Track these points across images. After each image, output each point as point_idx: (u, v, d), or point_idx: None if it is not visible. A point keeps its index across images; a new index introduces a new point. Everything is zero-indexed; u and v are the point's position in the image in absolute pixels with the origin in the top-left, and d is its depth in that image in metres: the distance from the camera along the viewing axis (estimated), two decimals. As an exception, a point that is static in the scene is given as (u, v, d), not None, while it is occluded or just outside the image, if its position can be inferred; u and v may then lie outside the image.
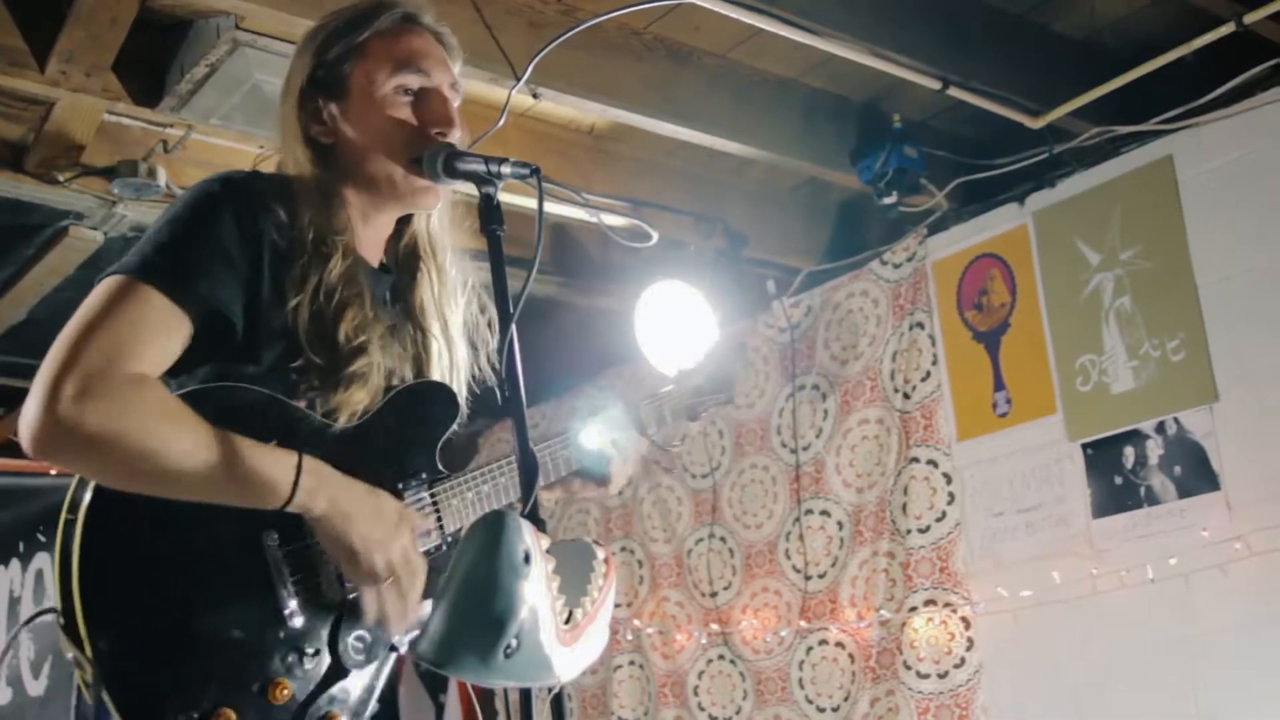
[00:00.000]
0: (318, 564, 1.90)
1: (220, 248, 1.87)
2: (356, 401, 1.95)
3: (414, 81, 2.06)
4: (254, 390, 1.88)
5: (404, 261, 2.20)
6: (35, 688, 5.05)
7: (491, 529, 1.66)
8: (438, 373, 2.15)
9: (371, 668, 1.95)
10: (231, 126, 3.84)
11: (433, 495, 2.04)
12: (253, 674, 1.83)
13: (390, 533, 1.88)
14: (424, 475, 2.04)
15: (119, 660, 1.75)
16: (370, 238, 2.12)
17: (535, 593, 1.68)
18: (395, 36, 2.08)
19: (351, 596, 1.91)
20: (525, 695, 1.78)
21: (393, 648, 1.98)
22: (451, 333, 2.19)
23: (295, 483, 1.81)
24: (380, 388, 2.00)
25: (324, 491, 1.84)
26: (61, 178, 3.89)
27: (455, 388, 2.15)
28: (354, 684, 1.93)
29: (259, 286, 1.90)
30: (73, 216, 4.11)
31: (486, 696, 5.53)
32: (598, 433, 2.26)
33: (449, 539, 2.04)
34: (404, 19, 2.10)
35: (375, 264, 2.14)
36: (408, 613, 1.91)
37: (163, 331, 1.81)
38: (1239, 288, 3.98)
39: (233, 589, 1.84)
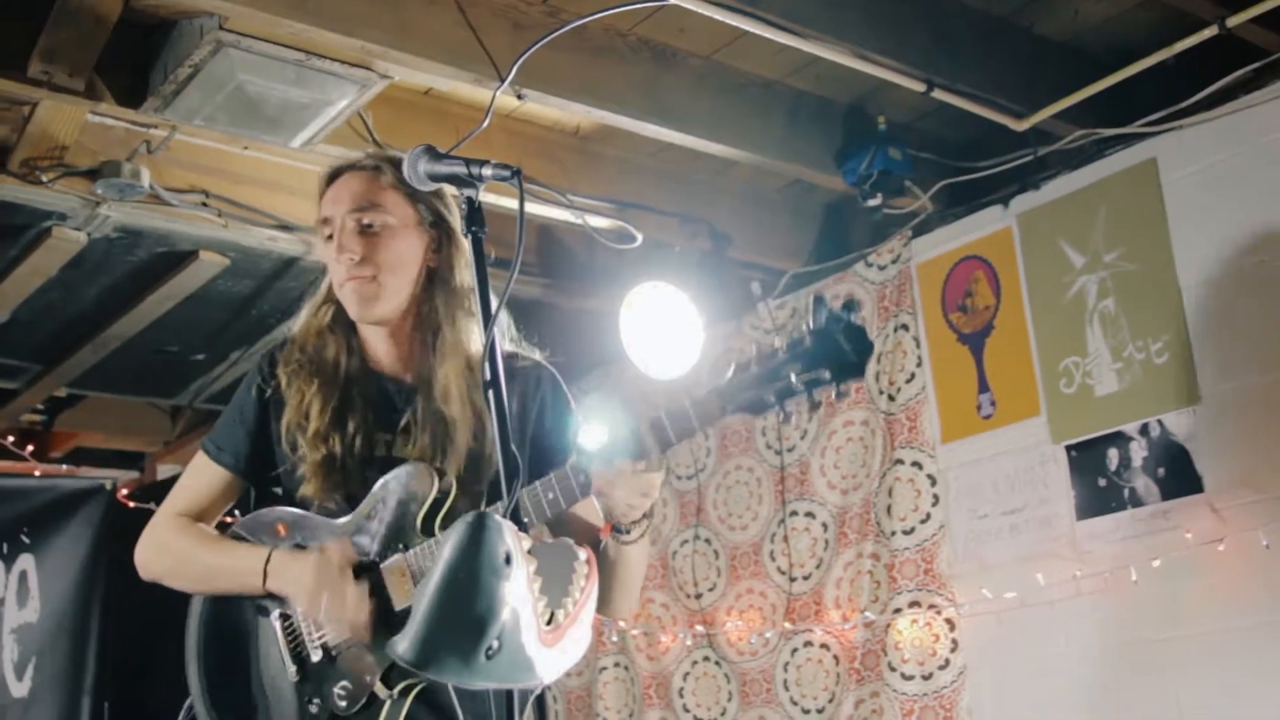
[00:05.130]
0: (299, 631, 2.29)
1: (239, 413, 2.44)
2: (311, 495, 2.32)
3: (324, 232, 2.37)
4: (275, 509, 2.38)
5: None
6: (19, 689, 5.03)
7: (472, 530, 1.66)
8: (462, 450, 2.30)
9: (361, 710, 2.20)
10: (215, 127, 3.83)
11: (407, 560, 2.23)
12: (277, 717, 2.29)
13: (312, 569, 2.23)
14: (403, 545, 2.24)
15: (197, 705, 2.34)
16: (393, 351, 2.41)
17: (517, 594, 1.68)
18: (321, 200, 2.41)
19: (319, 651, 2.26)
20: (508, 697, 1.78)
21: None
22: (467, 411, 2.32)
23: (265, 572, 2.27)
24: (339, 480, 2.32)
25: (285, 573, 2.27)
26: (45, 178, 3.88)
27: (476, 459, 2.31)
28: None
29: (268, 431, 2.40)
30: (56, 217, 4.10)
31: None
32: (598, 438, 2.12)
33: None
34: (327, 180, 2.41)
35: (400, 370, 2.42)
36: (328, 613, 2.21)
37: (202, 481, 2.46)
38: (1222, 290, 3.99)
39: (260, 655, 2.33)
